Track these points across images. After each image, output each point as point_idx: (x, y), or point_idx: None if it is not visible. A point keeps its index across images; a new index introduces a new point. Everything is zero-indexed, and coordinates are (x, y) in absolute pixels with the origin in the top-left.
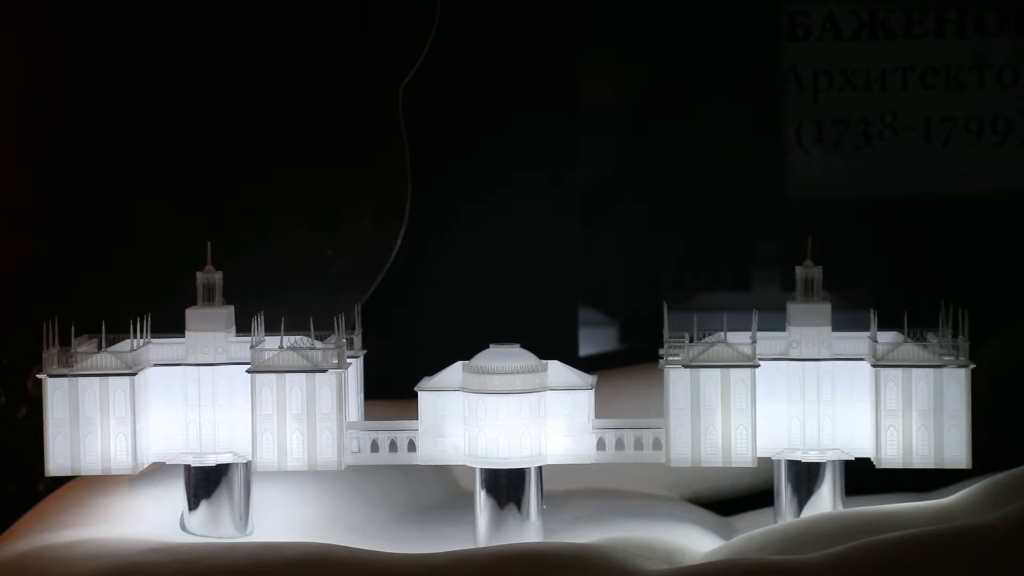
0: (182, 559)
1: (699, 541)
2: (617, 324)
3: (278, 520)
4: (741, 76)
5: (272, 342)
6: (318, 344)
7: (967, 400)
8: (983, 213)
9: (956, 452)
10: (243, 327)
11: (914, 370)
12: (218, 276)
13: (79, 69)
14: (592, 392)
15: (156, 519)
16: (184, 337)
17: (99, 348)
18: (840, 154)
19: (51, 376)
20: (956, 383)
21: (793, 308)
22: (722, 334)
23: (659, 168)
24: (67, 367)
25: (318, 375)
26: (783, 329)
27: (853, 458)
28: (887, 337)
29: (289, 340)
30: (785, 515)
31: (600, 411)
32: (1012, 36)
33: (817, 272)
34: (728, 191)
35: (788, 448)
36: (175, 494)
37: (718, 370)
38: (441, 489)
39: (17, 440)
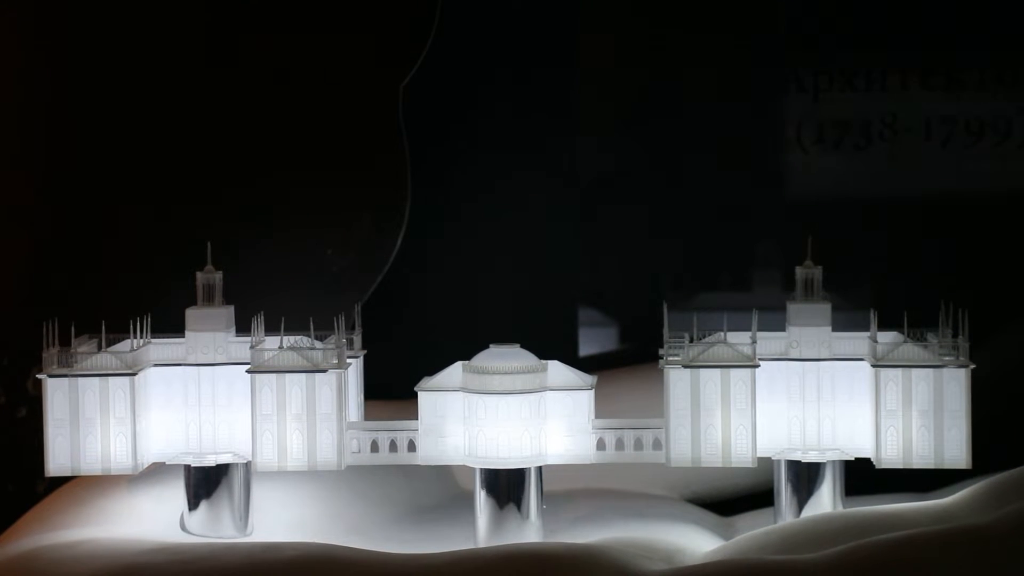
0: (182, 559)
1: (699, 541)
2: (617, 324)
3: (278, 520)
4: (741, 76)
5: (272, 342)
6: (318, 344)
7: (967, 400)
8: (983, 213)
9: (956, 452)
10: (243, 327)
11: (914, 370)
12: (218, 276)
13: (79, 69)
14: (592, 392)
15: (156, 519)
16: (184, 337)
17: (99, 348)
18: (840, 154)
19: (51, 376)
20: (956, 383)
21: (793, 308)
22: (722, 334)
23: (659, 168)
24: (67, 367)
25: (318, 375)
26: (783, 329)
27: (853, 458)
28: (887, 337)
29: (289, 340)
30: (785, 515)
31: (600, 411)
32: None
33: (817, 272)
34: (728, 191)
35: (788, 448)
36: (175, 494)
37: (718, 370)
38: (441, 489)
39: (17, 440)
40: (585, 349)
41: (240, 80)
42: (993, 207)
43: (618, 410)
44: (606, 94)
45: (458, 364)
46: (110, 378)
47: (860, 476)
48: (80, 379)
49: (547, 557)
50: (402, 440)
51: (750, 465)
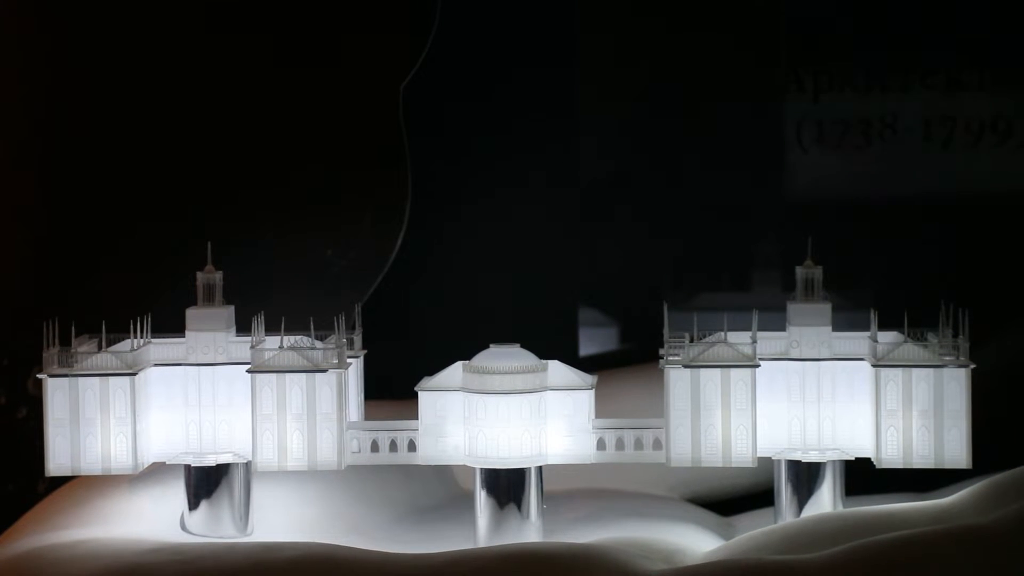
0: (182, 559)
1: (699, 541)
2: (617, 324)
3: (278, 520)
4: (741, 76)
5: (272, 342)
6: (318, 344)
7: (967, 400)
8: (983, 213)
9: (956, 452)
10: (243, 327)
11: (914, 370)
12: (218, 276)
13: (79, 69)
14: (592, 392)
15: (156, 519)
16: (184, 337)
17: (99, 348)
18: (840, 154)
19: (51, 376)
20: (956, 383)
21: (793, 308)
22: (722, 334)
23: (659, 168)
24: (67, 367)
25: (318, 375)
26: (783, 329)
27: (853, 458)
28: (887, 337)
29: (289, 340)
30: (785, 515)
31: (600, 411)
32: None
33: (817, 272)
34: (728, 191)
35: (788, 448)
36: (175, 494)
37: (718, 370)
38: (441, 489)
39: (17, 440)
40: (585, 349)
41: (240, 80)
42: (993, 207)
43: (618, 410)
44: (606, 94)
45: (458, 364)
46: (110, 378)
47: (860, 476)
48: (80, 379)
49: (547, 557)
50: (402, 440)
51: (750, 465)
